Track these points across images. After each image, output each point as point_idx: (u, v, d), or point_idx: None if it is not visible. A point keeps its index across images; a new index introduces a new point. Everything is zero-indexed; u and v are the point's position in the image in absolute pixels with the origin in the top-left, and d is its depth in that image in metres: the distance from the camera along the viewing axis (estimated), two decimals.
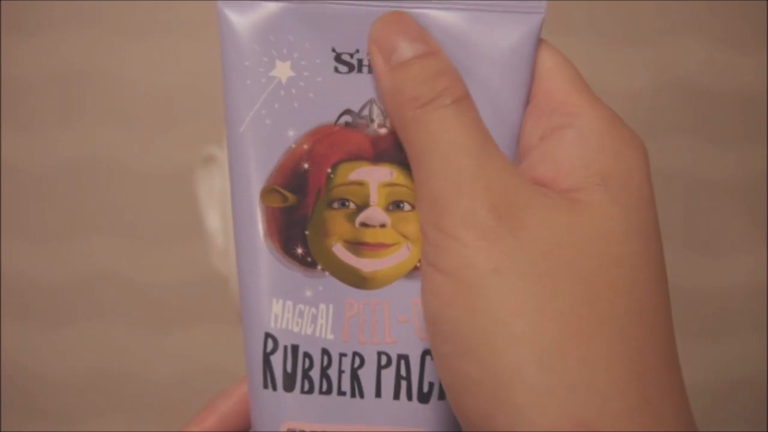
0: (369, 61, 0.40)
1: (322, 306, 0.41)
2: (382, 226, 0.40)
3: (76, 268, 0.95)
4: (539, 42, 0.41)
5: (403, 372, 0.40)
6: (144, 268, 0.96)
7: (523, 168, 0.38)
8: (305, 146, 0.40)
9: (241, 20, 0.40)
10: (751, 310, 0.99)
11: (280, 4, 0.40)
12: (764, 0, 0.95)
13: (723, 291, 0.98)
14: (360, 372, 0.41)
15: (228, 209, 0.69)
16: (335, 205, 0.40)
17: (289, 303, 0.41)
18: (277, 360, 0.41)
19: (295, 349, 0.41)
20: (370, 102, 0.40)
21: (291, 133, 0.40)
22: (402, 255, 0.40)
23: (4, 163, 0.93)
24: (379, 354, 0.41)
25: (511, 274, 0.34)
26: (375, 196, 0.40)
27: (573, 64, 0.40)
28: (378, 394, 0.41)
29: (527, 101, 0.40)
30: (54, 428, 0.98)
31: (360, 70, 0.40)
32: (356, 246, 0.40)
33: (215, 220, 0.75)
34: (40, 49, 0.92)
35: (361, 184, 0.40)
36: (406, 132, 0.37)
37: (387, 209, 0.40)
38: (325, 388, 0.41)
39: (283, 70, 0.40)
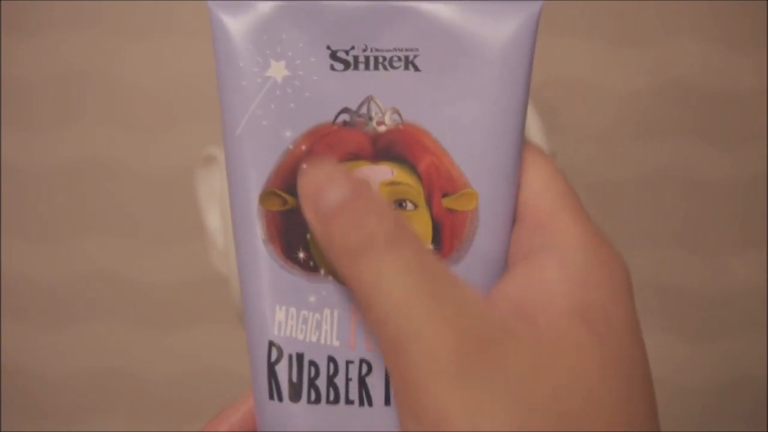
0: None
1: (327, 312, 0.40)
2: None
3: (76, 268, 0.95)
4: (531, 151, 0.40)
5: None
6: (144, 268, 0.95)
7: (504, 285, 0.37)
8: (303, 147, 0.40)
9: (233, 21, 0.40)
10: (751, 310, 0.98)
11: (272, 3, 0.39)
12: (764, 0, 0.94)
13: (723, 291, 0.98)
14: (368, 379, 0.40)
15: (228, 209, 0.69)
16: None
17: (293, 310, 0.40)
18: (282, 369, 0.40)
19: (300, 357, 0.40)
20: (368, 99, 0.40)
21: (288, 134, 0.40)
22: None
23: (4, 163, 0.93)
24: None
25: (489, 425, 0.32)
26: None
27: (564, 178, 0.39)
28: (387, 401, 0.40)
29: (528, 93, 0.40)
30: (54, 428, 0.98)
31: (356, 68, 0.39)
32: None
33: (215, 220, 0.75)
34: (40, 49, 0.91)
35: None
36: (350, 285, 0.35)
37: None
38: (332, 397, 0.40)
39: (278, 70, 0.40)
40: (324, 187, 0.36)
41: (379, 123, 0.40)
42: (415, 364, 0.33)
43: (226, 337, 0.96)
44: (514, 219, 0.40)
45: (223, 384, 0.97)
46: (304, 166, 0.39)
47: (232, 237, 0.67)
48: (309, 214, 0.37)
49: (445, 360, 0.32)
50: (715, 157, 0.96)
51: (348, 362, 0.40)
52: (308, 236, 0.40)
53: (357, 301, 0.36)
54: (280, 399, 0.40)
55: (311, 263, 0.40)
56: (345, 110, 0.40)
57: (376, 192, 0.37)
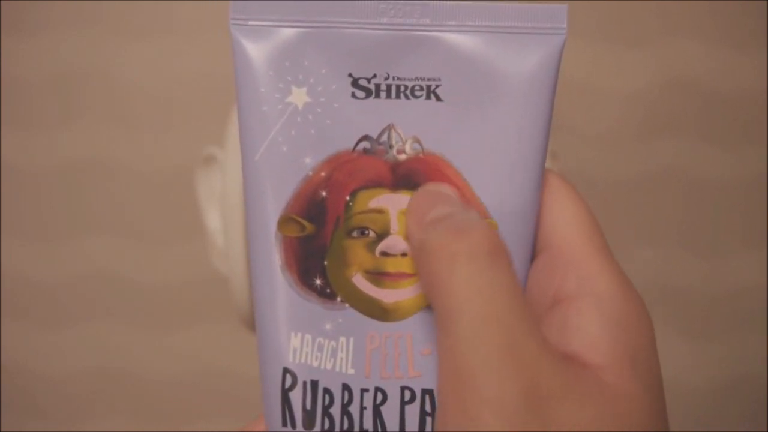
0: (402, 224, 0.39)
1: (342, 339, 0.39)
2: (404, 255, 0.39)
3: (76, 268, 0.95)
4: (561, 185, 0.40)
5: (428, 408, 0.39)
6: (144, 268, 0.95)
7: (545, 333, 0.37)
8: (323, 174, 0.39)
9: (255, 46, 0.39)
10: (751, 310, 0.99)
11: (295, 30, 0.39)
12: (764, 0, 0.94)
13: (723, 291, 0.98)
14: (383, 408, 0.39)
15: (228, 209, 0.68)
16: (354, 234, 0.39)
17: (308, 337, 0.39)
18: (296, 396, 0.39)
19: (314, 384, 0.39)
20: (389, 128, 0.39)
21: (308, 160, 0.39)
22: None
23: (4, 163, 0.93)
24: (403, 389, 0.39)
25: None
26: (395, 224, 0.39)
27: (592, 214, 0.39)
28: (402, 431, 0.39)
29: (550, 126, 0.39)
30: (54, 428, 0.98)
31: (378, 96, 0.39)
32: (377, 276, 0.39)
33: (215, 220, 0.75)
34: (40, 49, 0.91)
35: (380, 211, 0.39)
36: (433, 289, 0.34)
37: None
38: (346, 426, 0.39)
39: (299, 96, 0.39)
40: (434, 204, 0.36)
41: (400, 152, 0.39)
42: (478, 399, 0.32)
43: (226, 337, 0.96)
44: (534, 252, 0.40)
45: (223, 384, 0.97)
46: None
47: (232, 236, 0.66)
48: (411, 225, 0.37)
49: (511, 408, 0.31)
50: (716, 157, 0.96)
51: (363, 391, 0.39)
52: (325, 263, 0.39)
53: (435, 313, 0.35)
54: (294, 426, 0.39)
55: (328, 290, 0.39)
56: (365, 138, 0.39)
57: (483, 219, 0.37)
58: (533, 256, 0.40)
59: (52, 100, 0.92)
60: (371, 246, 0.39)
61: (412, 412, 0.39)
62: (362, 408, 0.39)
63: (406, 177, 0.39)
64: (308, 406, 0.39)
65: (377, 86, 0.39)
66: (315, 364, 0.39)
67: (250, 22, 0.39)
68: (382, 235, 0.39)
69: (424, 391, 0.39)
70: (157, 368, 0.97)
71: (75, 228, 0.94)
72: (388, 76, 0.39)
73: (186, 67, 0.92)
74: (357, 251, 0.39)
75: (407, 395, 0.39)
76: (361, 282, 0.40)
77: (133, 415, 0.98)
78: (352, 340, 0.39)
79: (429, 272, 0.34)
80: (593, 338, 0.35)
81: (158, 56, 0.92)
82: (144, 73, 0.92)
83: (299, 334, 0.39)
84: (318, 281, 0.39)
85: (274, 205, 0.39)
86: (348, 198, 0.39)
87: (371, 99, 0.39)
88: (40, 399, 0.98)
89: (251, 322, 0.64)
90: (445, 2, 0.39)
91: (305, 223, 0.39)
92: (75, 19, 0.91)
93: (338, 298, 0.40)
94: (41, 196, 0.94)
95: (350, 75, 0.39)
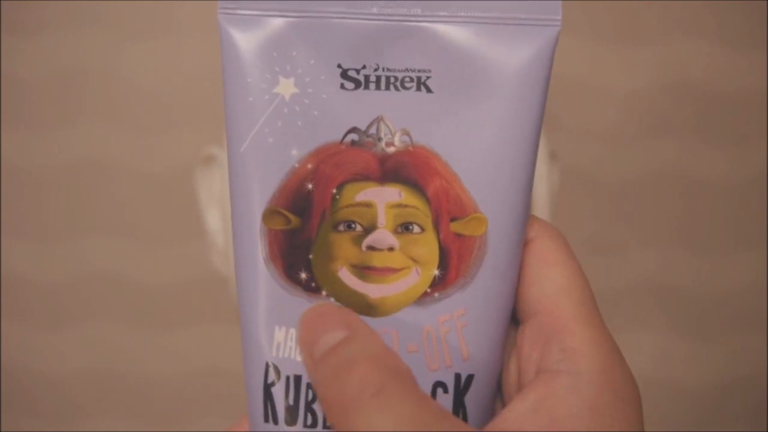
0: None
1: None
2: (390, 249, 0.38)
3: (76, 268, 0.95)
4: (552, 244, 0.39)
5: None
6: (144, 268, 0.95)
7: (515, 409, 0.36)
8: (309, 166, 0.38)
9: (242, 36, 0.38)
10: (751, 310, 0.99)
11: (284, 20, 0.38)
12: (764, 0, 0.94)
13: (723, 291, 0.98)
14: None
15: (228, 209, 0.68)
16: (341, 227, 0.39)
17: (292, 331, 0.38)
18: (278, 392, 0.38)
19: (297, 380, 0.38)
20: (378, 120, 0.38)
21: (294, 152, 0.38)
22: (411, 280, 0.38)
23: (4, 163, 0.93)
24: None
25: None
26: (383, 218, 0.38)
27: (584, 277, 0.38)
28: None
29: (542, 119, 0.39)
30: (54, 428, 0.98)
31: (367, 87, 0.38)
32: (363, 271, 0.39)
33: (215, 220, 0.74)
34: (40, 49, 0.91)
35: (368, 205, 0.38)
36: None
37: (395, 231, 0.38)
38: (329, 422, 0.37)
39: (286, 87, 0.38)
40: (318, 331, 0.35)
41: (389, 144, 0.38)
42: None
43: (226, 337, 0.96)
44: (522, 316, 0.39)
45: (222, 384, 0.97)
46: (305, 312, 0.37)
47: (232, 236, 0.66)
48: (304, 359, 0.36)
49: None
50: (715, 157, 0.96)
51: None
52: (310, 256, 0.39)
53: None
54: (276, 422, 0.38)
55: (313, 284, 0.39)
56: (354, 130, 0.38)
57: (370, 331, 0.35)
58: (521, 319, 0.40)
59: (52, 100, 0.92)
60: (358, 240, 0.39)
61: None
62: None
63: (395, 170, 0.39)
64: (291, 401, 0.38)
65: (366, 77, 0.39)
66: (298, 358, 0.38)
67: (239, 12, 0.38)
68: (369, 229, 0.39)
69: None
70: (157, 368, 0.97)
71: (75, 228, 0.94)
72: (378, 67, 0.38)
73: (186, 67, 0.92)
74: (343, 245, 0.39)
75: None
76: (346, 276, 0.39)
77: (133, 415, 0.98)
78: None
79: (333, 419, 0.34)
80: (561, 422, 0.34)
81: (158, 56, 0.92)
82: (144, 73, 0.92)
83: (283, 328, 0.39)
84: (303, 275, 0.39)
85: (259, 197, 0.39)
86: (335, 191, 0.39)
87: (360, 90, 0.39)
88: (40, 399, 0.98)
89: None
90: None
91: (291, 216, 0.38)
92: (75, 19, 0.91)
93: (323, 293, 0.39)
94: (41, 196, 0.94)
95: (339, 66, 0.39)
